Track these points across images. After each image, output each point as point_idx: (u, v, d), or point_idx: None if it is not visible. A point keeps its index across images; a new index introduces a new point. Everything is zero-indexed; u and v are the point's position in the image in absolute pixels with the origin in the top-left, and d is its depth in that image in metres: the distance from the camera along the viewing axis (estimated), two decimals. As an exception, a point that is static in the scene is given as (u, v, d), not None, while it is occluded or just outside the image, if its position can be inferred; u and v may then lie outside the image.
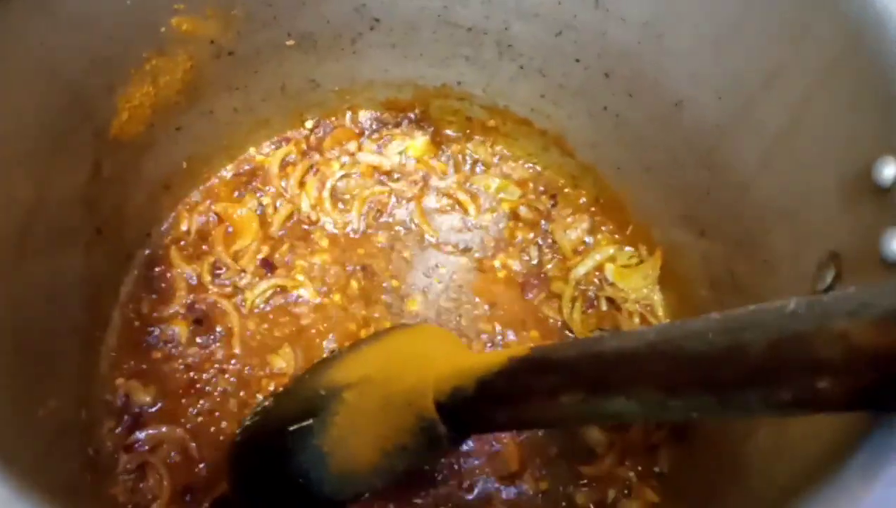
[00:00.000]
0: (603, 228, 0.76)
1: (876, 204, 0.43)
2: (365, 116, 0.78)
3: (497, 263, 0.74)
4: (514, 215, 0.76)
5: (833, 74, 0.48)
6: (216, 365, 0.66)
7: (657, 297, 0.71)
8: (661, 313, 0.71)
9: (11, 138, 0.49)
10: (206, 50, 0.62)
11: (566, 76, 0.69)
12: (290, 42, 0.67)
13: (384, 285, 0.71)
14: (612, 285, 0.72)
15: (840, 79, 0.47)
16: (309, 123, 0.77)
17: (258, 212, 0.73)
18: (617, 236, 0.75)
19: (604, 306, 0.72)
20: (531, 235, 0.75)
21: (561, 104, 0.72)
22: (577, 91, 0.70)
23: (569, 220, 0.76)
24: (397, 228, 0.75)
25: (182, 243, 0.70)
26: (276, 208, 0.73)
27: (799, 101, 0.51)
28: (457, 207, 0.76)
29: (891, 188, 0.42)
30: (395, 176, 0.76)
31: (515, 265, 0.74)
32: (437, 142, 0.79)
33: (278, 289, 0.69)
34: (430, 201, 0.76)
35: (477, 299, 0.72)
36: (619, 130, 0.69)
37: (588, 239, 0.75)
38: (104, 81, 0.56)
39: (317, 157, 0.76)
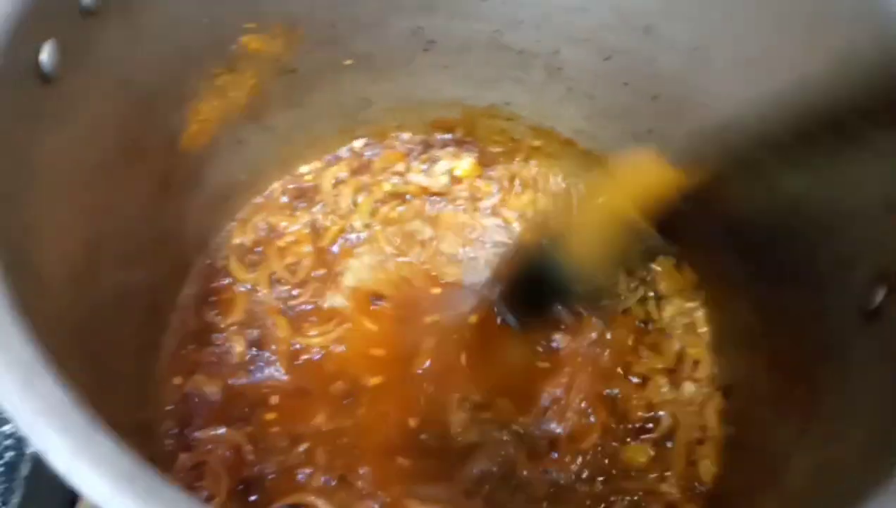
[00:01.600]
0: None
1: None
2: (412, 136, 0.81)
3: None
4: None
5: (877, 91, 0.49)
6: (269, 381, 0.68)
7: (700, 314, 0.72)
8: (703, 330, 0.72)
9: (89, 148, 0.51)
10: (271, 67, 0.65)
11: (613, 99, 0.71)
12: (349, 61, 0.70)
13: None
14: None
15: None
16: (358, 143, 0.79)
17: (309, 227, 0.75)
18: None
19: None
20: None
21: (606, 126, 0.74)
22: (622, 113, 0.72)
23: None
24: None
25: (239, 253, 0.72)
26: (327, 226, 0.75)
27: (846, 118, 0.52)
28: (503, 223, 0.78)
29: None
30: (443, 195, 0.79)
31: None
32: (482, 162, 0.81)
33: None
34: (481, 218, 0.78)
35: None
36: (663, 153, 0.71)
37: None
38: (177, 95, 0.59)
39: (366, 176, 0.78)
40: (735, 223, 0.67)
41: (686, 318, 0.72)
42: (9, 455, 0.62)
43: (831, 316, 0.54)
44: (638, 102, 0.70)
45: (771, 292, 0.63)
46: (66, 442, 0.29)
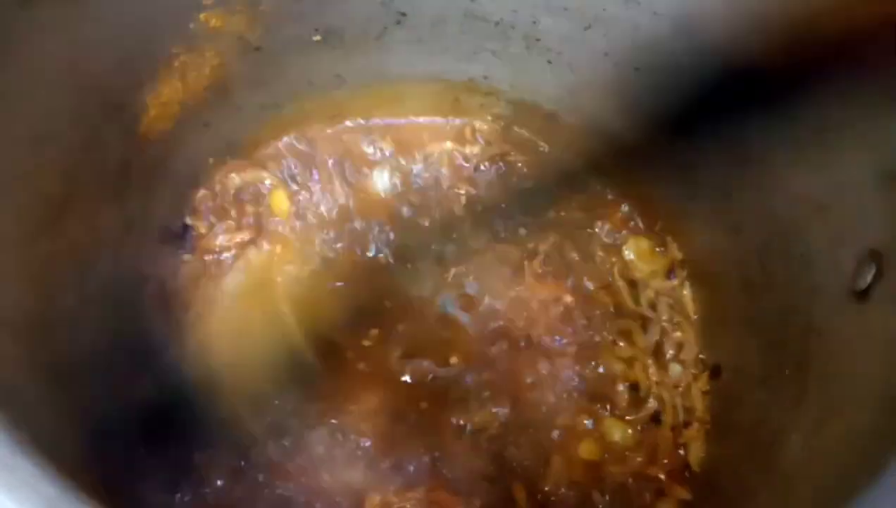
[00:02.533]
0: (630, 222, 0.75)
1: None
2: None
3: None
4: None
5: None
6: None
7: (686, 292, 0.70)
8: (689, 309, 0.70)
9: (42, 137, 0.49)
10: (233, 46, 0.62)
11: (595, 71, 0.68)
12: (317, 37, 0.67)
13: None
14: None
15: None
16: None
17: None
18: (644, 231, 0.74)
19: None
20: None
21: (589, 99, 0.71)
22: (605, 86, 0.69)
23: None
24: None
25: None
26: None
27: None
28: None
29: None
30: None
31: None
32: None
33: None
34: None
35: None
36: (649, 126, 0.69)
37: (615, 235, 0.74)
38: (133, 78, 0.56)
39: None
40: (721, 198, 0.65)
41: (669, 298, 0.70)
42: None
43: (821, 295, 0.52)
44: (621, 73, 0.67)
45: (760, 270, 0.61)
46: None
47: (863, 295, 0.46)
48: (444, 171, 0.76)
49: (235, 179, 0.71)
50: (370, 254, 0.72)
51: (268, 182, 0.72)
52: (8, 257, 0.44)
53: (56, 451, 0.29)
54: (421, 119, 0.78)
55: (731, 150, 0.61)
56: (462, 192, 0.75)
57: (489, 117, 0.77)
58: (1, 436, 0.28)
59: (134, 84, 0.56)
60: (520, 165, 0.77)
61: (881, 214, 0.46)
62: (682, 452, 0.65)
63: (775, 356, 0.57)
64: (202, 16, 0.58)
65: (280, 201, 0.72)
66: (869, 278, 0.46)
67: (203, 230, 0.69)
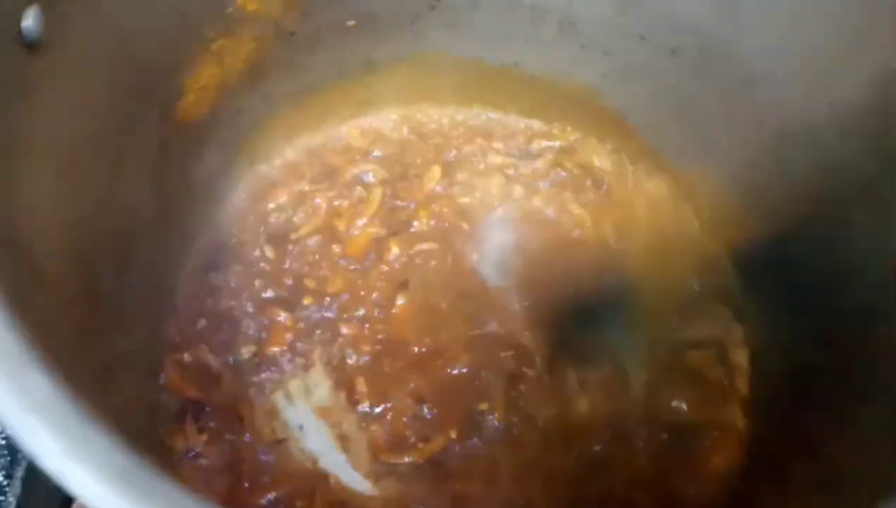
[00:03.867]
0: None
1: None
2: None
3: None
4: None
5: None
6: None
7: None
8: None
9: (84, 116, 0.48)
10: (269, 30, 0.62)
11: (630, 55, 0.68)
12: (351, 22, 0.66)
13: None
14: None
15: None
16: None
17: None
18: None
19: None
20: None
21: (623, 83, 0.71)
22: (640, 70, 0.68)
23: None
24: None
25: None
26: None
27: (876, 76, 0.49)
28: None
29: None
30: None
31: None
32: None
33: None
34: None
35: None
36: (683, 111, 0.68)
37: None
38: (172, 61, 0.56)
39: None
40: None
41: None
42: (3, 455, 0.60)
43: (865, 276, 0.51)
44: (656, 57, 0.66)
45: (801, 253, 0.61)
46: (56, 441, 0.26)
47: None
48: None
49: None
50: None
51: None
52: (53, 241, 0.44)
53: (123, 420, 0.29)
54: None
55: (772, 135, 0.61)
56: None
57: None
58: (69, 407, 0.27)
59: (173, 68, 0.56)
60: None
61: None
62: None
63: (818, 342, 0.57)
64: (240, 0, 0.58)
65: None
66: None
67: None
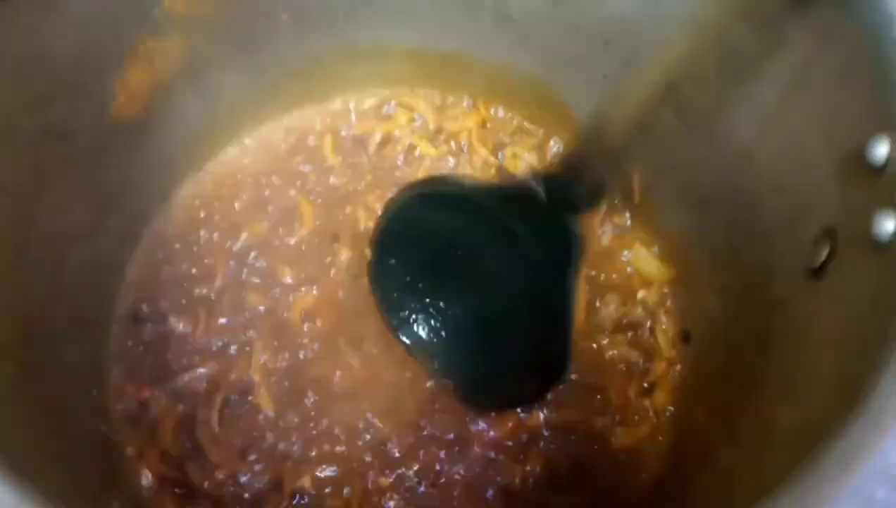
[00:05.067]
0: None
1: (869, 183, 0.42)
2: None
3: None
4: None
5: (827, 45, 0.47)
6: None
7: (653, 265, 0.71)
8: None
9: (9, 131, 0.49)
10: (200, 29, 0.62)
11: (565, 45, 0.68)
12: (285, 16, 0.67)
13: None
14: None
15: (833, 50, 0.46)
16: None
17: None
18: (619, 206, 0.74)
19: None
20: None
21: (561, 73, 0.71)
22: (576, 60, 0.69)
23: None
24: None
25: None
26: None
27: (794, 71, 0.50)
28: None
29: (883, 168, 0.41)
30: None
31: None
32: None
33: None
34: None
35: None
36: (619, 99, 0.69)
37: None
38: (98, 67, 0.56)
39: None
40: (687, 178, 0.65)
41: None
42: None
43: (779, 271, 0.53)
44: (590, 47, 0.67)
45: (726, 243, 0.62)
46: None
47: (818, 272, 0.47)
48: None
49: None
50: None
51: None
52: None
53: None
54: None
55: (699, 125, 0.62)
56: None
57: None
58: None
59: (100, 71, 0.57)
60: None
61: (836, 193, 0.46)
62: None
63: (740, 329, 0.58)
64: (166, 1, 0.58)
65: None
66: (823, 255, 0.46)
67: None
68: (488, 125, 0.78)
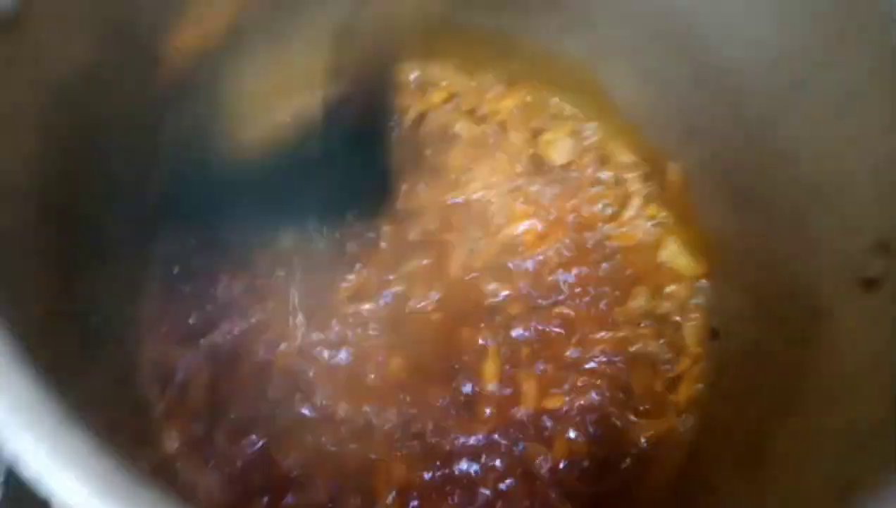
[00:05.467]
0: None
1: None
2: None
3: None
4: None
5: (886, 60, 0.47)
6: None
7: (684, 261, 0.71)
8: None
9: (64, 84, 0.49)
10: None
11: (616, 32, 0.68)
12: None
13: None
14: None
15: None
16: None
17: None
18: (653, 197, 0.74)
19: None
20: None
21: (608, 60, 0.71)
22: (625, 48, 0.68)
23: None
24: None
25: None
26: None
27: (852, 81, 0.50)
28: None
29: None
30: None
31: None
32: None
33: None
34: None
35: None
36: (665, 92, 0.68)
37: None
38: (152, 23, 0.55)
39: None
40: (730, 175, 0.65)
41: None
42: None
43: (826, 279, 0.53)
44: (641, 36, 0.66)
45: (763, 245, 0.62)
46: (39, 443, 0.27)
47: (870, 283, 0.47)
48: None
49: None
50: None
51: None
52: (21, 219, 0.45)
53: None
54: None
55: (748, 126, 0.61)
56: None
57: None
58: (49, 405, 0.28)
59: (153, 30, 0.56)
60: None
61: (890, 207, 0.46)
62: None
63: (775, 333, 0.58)
64: (218, -36, 0.57)
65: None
66: (877, 267, 0.46)
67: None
68: (526, 106, 0.77)
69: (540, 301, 0.69)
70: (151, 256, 0.66)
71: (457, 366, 0.65)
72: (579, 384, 0.66)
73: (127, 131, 0.57)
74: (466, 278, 0.69)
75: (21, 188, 0.44)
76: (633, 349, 0.68)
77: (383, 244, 0.69)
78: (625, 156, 0.75)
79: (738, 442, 0.59)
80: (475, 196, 0.72)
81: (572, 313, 0.68)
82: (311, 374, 0.64)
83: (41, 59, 0.43)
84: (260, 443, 0.61)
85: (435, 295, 0.68)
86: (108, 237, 0.58)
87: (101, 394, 0.50)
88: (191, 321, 0.65)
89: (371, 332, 0.66)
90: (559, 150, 0.76)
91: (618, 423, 0.65)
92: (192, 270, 0.66)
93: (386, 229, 0.70)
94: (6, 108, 0.41)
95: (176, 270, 0.66)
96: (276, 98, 0.71)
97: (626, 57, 0.69)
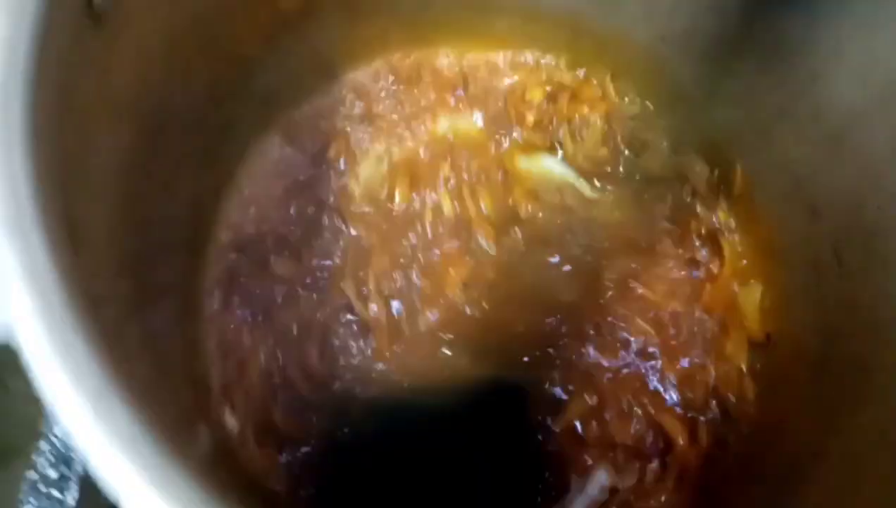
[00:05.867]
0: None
1: None
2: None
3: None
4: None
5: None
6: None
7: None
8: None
9: (139, 73, 0.49)
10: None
11: (694, 23, 0.66)
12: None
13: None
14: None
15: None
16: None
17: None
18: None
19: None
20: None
21: (683, 51, 0.69)
22: (705, 42, 0.66)
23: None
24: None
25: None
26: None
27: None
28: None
29: None
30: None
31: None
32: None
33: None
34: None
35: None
36: (743, 92, 0.66)
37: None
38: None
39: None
40: (800, 179, 0.63)
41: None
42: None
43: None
44: (722, 32, 0.64)
45: (833, 256, 0.61)
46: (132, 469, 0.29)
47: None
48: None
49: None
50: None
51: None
52: (104, 194, 0.45)
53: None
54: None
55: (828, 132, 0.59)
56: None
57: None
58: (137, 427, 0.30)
59: (225, 12, 0.56)
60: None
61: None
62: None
63: (834, 345, 0.58)
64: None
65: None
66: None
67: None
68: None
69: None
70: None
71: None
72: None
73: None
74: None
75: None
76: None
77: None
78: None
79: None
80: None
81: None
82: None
83: (133, 51, 0.43)
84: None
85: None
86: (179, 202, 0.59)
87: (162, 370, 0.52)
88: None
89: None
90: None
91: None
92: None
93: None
94: (105, 99, 0.42)
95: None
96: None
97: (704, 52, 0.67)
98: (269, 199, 0.68)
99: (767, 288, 0.69)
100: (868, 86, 0.55)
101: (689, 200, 0.72)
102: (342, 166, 0.70)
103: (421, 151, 0.72)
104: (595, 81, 0.75)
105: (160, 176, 0.52)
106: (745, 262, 0.70)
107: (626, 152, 0.73)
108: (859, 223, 0.57)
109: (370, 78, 0.73)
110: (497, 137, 0.74)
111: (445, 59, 0.75)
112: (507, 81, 0.75)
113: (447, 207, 0.70)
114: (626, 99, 0.75)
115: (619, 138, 0.74)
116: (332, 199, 0.69)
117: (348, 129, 0.72)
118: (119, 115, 0.44)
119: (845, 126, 0.57)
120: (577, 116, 0.74)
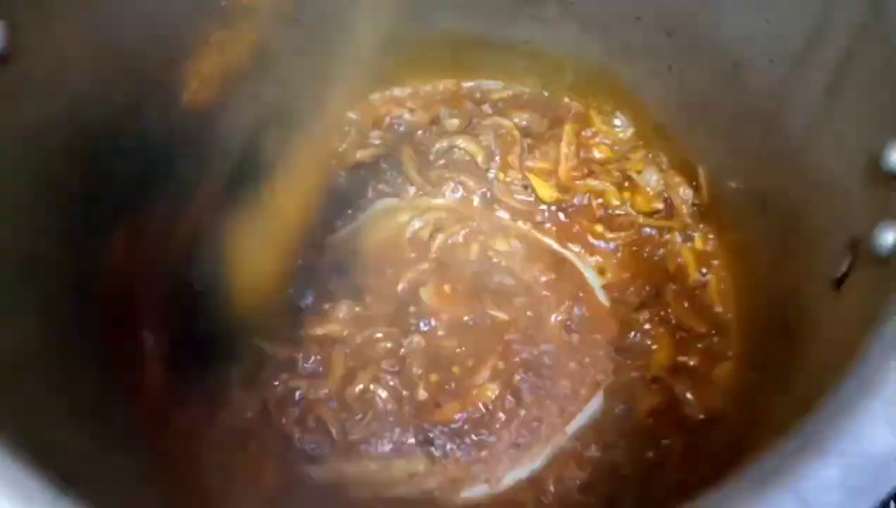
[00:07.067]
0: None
1: (882, 192, 0.39)
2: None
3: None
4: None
5: (863, 41, 0.43)
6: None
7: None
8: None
9: (77, 118, 0.54)
10: (271, 19, 0.66)
11: (629, 35, 0.67)
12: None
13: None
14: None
15: (870, 48, 0.43)
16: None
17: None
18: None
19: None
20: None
21: (626, 63, 0.70)
22: (640, 50, 0.67)
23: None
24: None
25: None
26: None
27: (835, 66, 0.47)
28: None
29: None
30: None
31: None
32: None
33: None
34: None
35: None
36: (684, 91, 0.67)
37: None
38: (168, 55, 0.60)
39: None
40: (750, 176, 0.62)
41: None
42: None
43: (812, 279, 0.50)
44: (653, 38, 0.65)
45: (782, 245, 0.59)
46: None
47: (839, 283, 0.44)
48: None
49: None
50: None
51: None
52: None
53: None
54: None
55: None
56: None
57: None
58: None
59: (169, 61, 0.61)
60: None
61: (862, 203, 0.43)
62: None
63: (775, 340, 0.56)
64: (234, -7, 0.62)
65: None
66: (844, 267, 0.43)
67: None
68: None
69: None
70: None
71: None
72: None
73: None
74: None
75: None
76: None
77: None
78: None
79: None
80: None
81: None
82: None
83: (39, 91, 0.49)
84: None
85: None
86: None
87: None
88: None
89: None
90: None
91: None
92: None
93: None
94: (14, 132, 0.47)
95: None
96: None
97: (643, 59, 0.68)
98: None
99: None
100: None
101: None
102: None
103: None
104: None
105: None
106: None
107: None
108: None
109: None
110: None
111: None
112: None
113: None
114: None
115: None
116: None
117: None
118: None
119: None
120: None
